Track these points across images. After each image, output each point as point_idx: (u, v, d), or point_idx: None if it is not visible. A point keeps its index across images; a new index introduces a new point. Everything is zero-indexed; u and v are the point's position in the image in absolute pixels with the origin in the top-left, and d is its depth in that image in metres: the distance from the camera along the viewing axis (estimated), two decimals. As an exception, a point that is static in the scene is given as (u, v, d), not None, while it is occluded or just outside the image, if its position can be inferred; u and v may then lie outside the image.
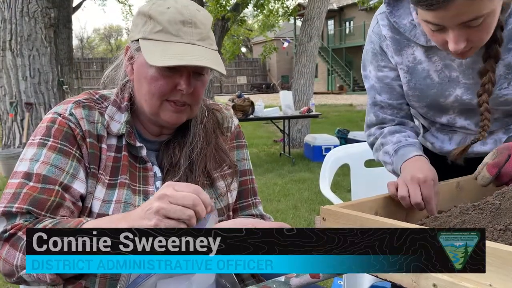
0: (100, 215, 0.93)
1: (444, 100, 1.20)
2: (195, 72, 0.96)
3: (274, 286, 0.82)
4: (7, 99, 6.26)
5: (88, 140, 0.96)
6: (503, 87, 1.13)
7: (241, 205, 1.14)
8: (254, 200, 1.16)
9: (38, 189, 0.89)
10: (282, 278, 0.84)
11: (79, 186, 0.93)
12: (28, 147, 0.95)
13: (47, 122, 0.96)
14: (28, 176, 0.90)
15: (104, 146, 0.98)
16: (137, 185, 0.99)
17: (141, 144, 1.00)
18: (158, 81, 0.94)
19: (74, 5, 9.16)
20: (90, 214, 0.95)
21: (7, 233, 0.84)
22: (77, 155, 0.94)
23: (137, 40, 0.96)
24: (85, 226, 0.83)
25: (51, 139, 0.94)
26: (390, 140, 1.22)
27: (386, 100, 1.25)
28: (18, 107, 6.25)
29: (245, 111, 5.82)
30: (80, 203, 0.94)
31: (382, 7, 1.19)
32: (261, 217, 1.14)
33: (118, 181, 0.97)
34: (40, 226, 0.84)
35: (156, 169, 1.03)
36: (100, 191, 0.95)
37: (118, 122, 1.00)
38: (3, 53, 6.19)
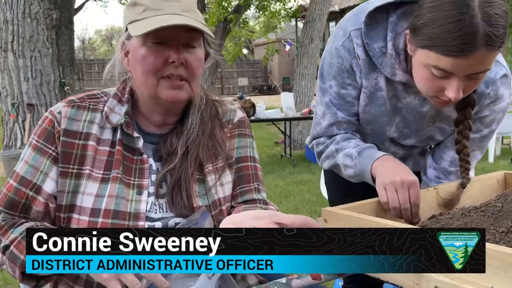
0: (93, 210, 0.95)
1: (389, 129, 1.24)
2: (186, 45, 0.97)
3: (276, 287, 0.81)
4: (8, 100, 6.28)
5: (61, 138, 0.98)
6: (429, 125, 1.23)
7: (241, 190, 1.09)
8: (257, 186, 1.11)
9: (13, 188, 0.96)
10: (284, 280, 0.84)
11: (49, 185, 0.97)
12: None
13: (41, 120, 1.02)
14: (12, 174, 0.98)
15: (91, 143, 0.99)
16: (132, 178, 0.99)
17: (138, 135, 1.01)
18: (149, 58, 0.95)
19: (76, 6, 9.18)
20: (82, 210, 0.96)
21: None
22: (54, 154, 0.98)
23: (127, 29, 0.98)
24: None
25: (36, 138, 0.99)
26: (346, 145, 1.21)
27: (345, 117, 1.22)
28: (20, 108, 6.27)
29: (246, 113, 5.80)
30: (53, 201, 0.97)
31: (356, 22, 1.14)
32: (265, 203, 1.10)
33: (111, 175, 0.98)
34: (12, 237, 0.92)
35: (152, 161, 1.03)
36: (92, 187, 0.97)
37: (118, 113, 1.02)
38: (5, 54, 6.21)
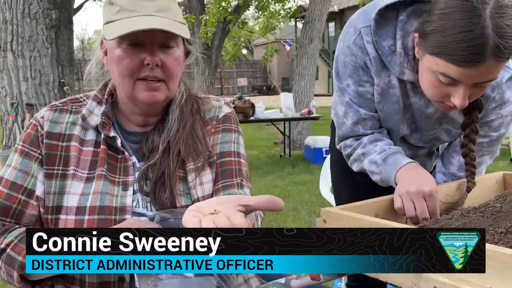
0: (79, 208, 0.95)
1: (402, 127, 1.24)
2: (162, 46, 0.96)
3: (275, 287, 0.81)
4: (8, 100, 6.27)
5: (45, 141, 0.99)
6: (435, 127, 1.24)
7: (223, 185, 1.05)
8: (240, 181, 1.06)
9: (4, 194, 0.96)
10: (283, 280, 0.84)
11: (39, 189, 0.97)
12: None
13: (25, 126, 1.03)
14: (1, 180, 0.98)
15: (74, 143, 1.00)
16: (117, 176, 1.00)
17: (114, 134, 1.01)
18: (124, 60, 0.95)
19: (75, 6, 9.17)
20: (68, 210, 0.96)
21: None
22: (40, 157, 0.99)
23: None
24: None
25: (21, 143, 1.00)
26: (373, 150, 1.20)
27: (368, 113, 1.21)
28: (19, 108, 6.26)
29: (245, 113, 5.82)
30: (42, 204, 0.97)
31: (366, 20, 1.13)
32: None
33: (96, 173, 0.98)
34: (7, 241, 0.92)
35: (135, 159, 1.03)
36: (77, 186, 0.97)
37: (96, 115, 1.03)
38: (4, 54, 6.21)
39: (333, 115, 1.29)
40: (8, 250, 0.90)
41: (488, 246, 0.65)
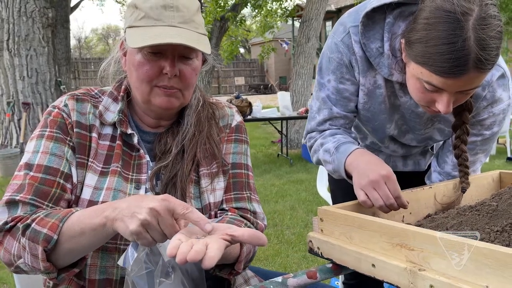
0: (91, 202, 0.95)
1: (389, 126, 1.24)
2: (182, 56, 0.97)
3: (272, 286, 0.82)
4: (4, 99, 6.25)
5: (75, 130, 0.99)
6: (427, 127, 1.24)
7: (235, 196, 1.08)
8: (249, 195, 1.11)
9: (39, 178, 0.92)
10: (280, 279, 0.84)
11: (74, 174, 0.96)
12: (30, 141, 0.99)
13: (45, 115, 1.01)
14: (29, 166, 0.94)
15: (94, 135, 1.00)
16: (130, 173, 1.00)
17: (132, 132, 1.02)
18: (144, 66, 0.96)
19: (72, 5, 9.14)
20: (80, 201, 0.96)
21: (8, 225, 0.87)
22: (71, 144, 0.98)
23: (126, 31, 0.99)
24: (73, 216, 0.84)
25: (48, 129, 0.98)
26: (330, 140, 1.21)
27: (341, 112, 1.22)
28: (15, 107, 6.24)
29: (243, 112, 5.82)
30: (75, 191, 0.96)
31: (356, 19, 1.14)
32: (254, 214, 1.09)
33: (110, 168, 0.98)
34: (34, 217, 0.86)
35: (148, 158, 1.04)
36: (91, 179, 0.97)
37: (113, 112, 1.03)
38: (1, 53, 6.18)
39: (309, 109, 1.31)
40: (33, 224, 0.84)
41: (484, 244, 0.65)
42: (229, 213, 1.04)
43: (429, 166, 1.39)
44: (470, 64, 0.87)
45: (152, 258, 0.79)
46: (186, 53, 0.97)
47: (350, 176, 1.12)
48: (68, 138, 0.98)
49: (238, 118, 1.17)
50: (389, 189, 0.99)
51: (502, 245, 0.71)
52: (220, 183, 1.07)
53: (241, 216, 1.05)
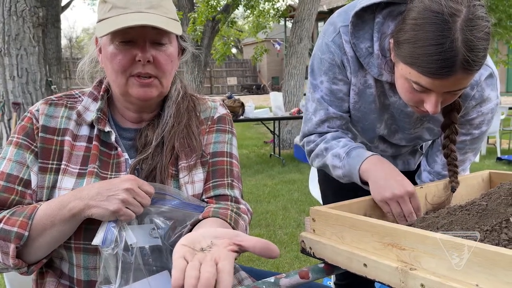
0: None
1: (379, 126, 1.25)
2: (154, 43, 0.97)
3: (264, 286, 0.82)
4: (-6, 98, 6.17)
5: (40, 134, 0.99)
6: (417, 126, 1.26)
7: (213, 184, 1.05)
8: (230, 181, 1.06)
9: (1, 187, 0.95)
10: (272, 279, 0.84)
11: (34, 180, 0.97)
12: (3, 146, 1.01)
13: (20, 120, 1.03)
14: None
15: (68, 138, 1.00)
16: (109, 173, 1.00)
17: (110, 129, 1.02)
18: (117, 57, 0.96)
19: (63, 4, 9.07)
20: None
21: None
22: (35, 150, 0.98)
23: None
24: (39, 211, 0.89)
25: (16, 135, 1.00)
26: (336, 145, 1.20)
27: (337, 112, 1.22)
28: (6, 107, 6.17)
29: (235, 112, 5.81)
30: (33, 197, 0.97)
31: (346, 19, 1.14)
32: (236, 201, 1.05)
33: (87, 170, 0.98)
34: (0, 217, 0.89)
35: (127, 156, 1.03)
36: (68, 182, 0.97)
37: (92, 111, 1.04)
38: (-10, 52, 6.11)
39: (304, 111, 1.30)
40: (1, 224, 0.88)
41: (474, 243, 0.66)
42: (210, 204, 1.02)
43: (419, 166, 1.40)
44: (458, 65, 0.88)
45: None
46: (157, 38, 0.97)
47: (364, 182, 1.13)
48: (34, 144, 0.99)
49: (222, 110, 1.16)
50: (413, 206, 1.03)
51: (492, 244, 0.72)
52: (199, 174, 1.04)
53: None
